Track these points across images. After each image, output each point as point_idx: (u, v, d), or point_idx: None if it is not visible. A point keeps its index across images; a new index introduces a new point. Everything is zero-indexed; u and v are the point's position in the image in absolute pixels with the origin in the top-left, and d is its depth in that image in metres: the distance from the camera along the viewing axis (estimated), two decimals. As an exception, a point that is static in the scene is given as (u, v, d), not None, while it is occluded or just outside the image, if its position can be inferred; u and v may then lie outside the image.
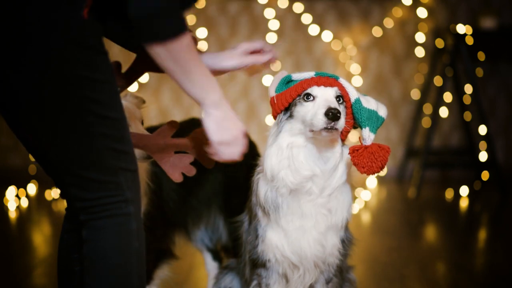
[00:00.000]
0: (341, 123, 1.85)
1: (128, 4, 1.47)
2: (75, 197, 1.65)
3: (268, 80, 5.42)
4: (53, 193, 4.68)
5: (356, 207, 4.49)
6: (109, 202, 1.64)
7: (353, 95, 1.93)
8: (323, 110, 1.84)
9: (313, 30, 5.38)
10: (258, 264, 2.07)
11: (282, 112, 1.98)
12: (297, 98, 1.94)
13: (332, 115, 1.82)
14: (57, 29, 1.52)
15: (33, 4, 1.48)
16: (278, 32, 5.39)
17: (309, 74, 1.97)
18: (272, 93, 2.02)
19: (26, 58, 1.51)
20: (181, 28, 1.51)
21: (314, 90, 1.92)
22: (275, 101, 1.99)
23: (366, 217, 4.40)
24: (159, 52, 1.52)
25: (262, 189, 2.00)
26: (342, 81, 1.95)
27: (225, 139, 1.70)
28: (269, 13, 5.37)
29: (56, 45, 1.52)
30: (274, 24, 5.38)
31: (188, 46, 1.54)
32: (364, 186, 4.99)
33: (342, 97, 1.93)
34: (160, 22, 1.48)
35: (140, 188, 1.72)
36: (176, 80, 1.60)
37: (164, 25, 1.49)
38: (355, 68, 5.41)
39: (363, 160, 1.87)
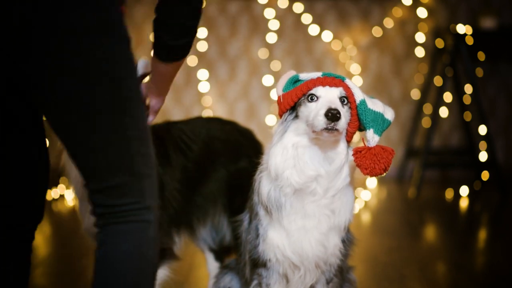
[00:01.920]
0: (342, 124, 1.85)
1: (167, 35, 1.73)
2: (98, 204, 1.61)
3: (268, 80, 5.42)
4: (53, 193, 4.68)
5: (356, 207, 4.48)
6: (132, 208, 1.61)
7: (358, 96, 1.93)
8: (324, 111, 1.84)
9: (313, 30, 5.38)
10: (258, 263, 2.07)
11: (288, 112, 1.98)
12: (302, 98, 1.94)
13: (331, 115, 1.82)
14: (105, 27, 1.52)
15: (82, 5, 1.48)
16: (278, 32, 5.39)
17: (316, 74, 1.97)
18: (279, 92, 2.02)
19: (79, 60, 1.49)
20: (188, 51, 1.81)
21: (319, 90, 1.92)
22: (281, 100, 1.99)
23: (366, 217, 4.40)
24: (168, 67, 1.82)
25: (265, 187, 2.00)
26: (348, 82, 1.95)
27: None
28: (269, 13, 5.37)
29: (105, 43, 1.51)
30: (274, 24, 5.38)
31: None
32: (364, 186, 4.99)
33: (347, 98, 1.93)
34: (184, 52, 1.78)
35: (158, 195, 1.70)
36: (164, 83, 1.92)
37: (185, 53, 1.79)
38: (355, 68, 5.41)
39: (366, 161, 1.87)
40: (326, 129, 1.84)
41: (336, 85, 1.93)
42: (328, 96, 1.91)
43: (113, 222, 1.63)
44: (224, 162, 2.53)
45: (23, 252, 1.82)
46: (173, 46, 1.73)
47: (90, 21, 1.49)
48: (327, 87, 1.92)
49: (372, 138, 1.89)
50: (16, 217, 1.78)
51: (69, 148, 1.59)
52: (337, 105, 1.88)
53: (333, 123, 1.83)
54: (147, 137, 1.64)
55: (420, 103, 5.49)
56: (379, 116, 1.92)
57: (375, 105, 1.94)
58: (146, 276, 1.65)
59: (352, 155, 1.90)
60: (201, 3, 1.71)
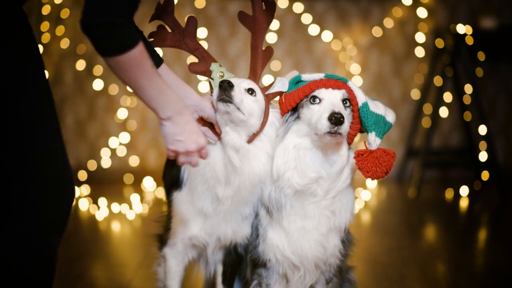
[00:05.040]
0: (345, 128, 1.85)
1: (81, 15, 1.44)
2: None
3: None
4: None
5: (356, 207, 4.48)
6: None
7: (361, 98, 1.92)
8: (327, 114, 1.83)
9: (313, 30, 5.37)
10: (258, 264, 2.07)
11: (290, 112, 1.98)
12: (305, 99, 1.94)
13: (335, 119, 1.82)
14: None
15: None
16: (278, 32, 5.39)
17: (319, 75, 1.97)
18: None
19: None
20: (126, 46, 1.48)
21: (321, 92, 1.92)
22: (283, 101, 1.99)
23: (366, 217, 4.40)
24: (109, 63, 1.51)
25: (266, 188, 2.00)
26: (351, 84, 1.95)
27: (178, 149, 1.69)
28: (269, 13, 5.36)
29: None
30: (274, 24, 5.37)
31: (136, 63, 1.51)
32: (364, 186, 4.99)
33: (349, 100, 1.93)
34: (104, 39, 1.46)
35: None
36: (133, 91, 1.59)
37: (108, 42, 1.47)
38: (355, 68, 5.41)
39: (368, 164, 1.87)
40: (329, 132, 1.83)
41: (339, 88, 1.92)
42: (331, 98, 1.90)
43: None
44: None
45: None
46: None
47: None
48: (330, 89, 1.92)
49: (374, 141, 1.89)
50: None
51: None
52: (340, 108, 1.88)
53: (336, 127, 1.82)
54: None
55: (420, 103, 5.49)
56: (381, 119, 1.92)
57: (377, 107, 1.94)
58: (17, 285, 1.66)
59: (354, 157, 1.90)
60: None
